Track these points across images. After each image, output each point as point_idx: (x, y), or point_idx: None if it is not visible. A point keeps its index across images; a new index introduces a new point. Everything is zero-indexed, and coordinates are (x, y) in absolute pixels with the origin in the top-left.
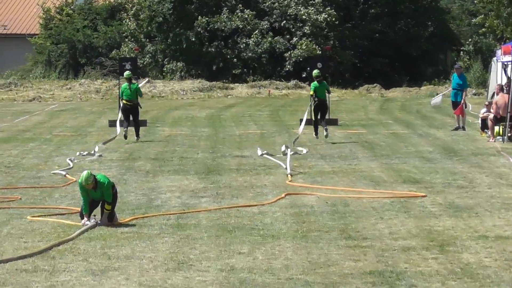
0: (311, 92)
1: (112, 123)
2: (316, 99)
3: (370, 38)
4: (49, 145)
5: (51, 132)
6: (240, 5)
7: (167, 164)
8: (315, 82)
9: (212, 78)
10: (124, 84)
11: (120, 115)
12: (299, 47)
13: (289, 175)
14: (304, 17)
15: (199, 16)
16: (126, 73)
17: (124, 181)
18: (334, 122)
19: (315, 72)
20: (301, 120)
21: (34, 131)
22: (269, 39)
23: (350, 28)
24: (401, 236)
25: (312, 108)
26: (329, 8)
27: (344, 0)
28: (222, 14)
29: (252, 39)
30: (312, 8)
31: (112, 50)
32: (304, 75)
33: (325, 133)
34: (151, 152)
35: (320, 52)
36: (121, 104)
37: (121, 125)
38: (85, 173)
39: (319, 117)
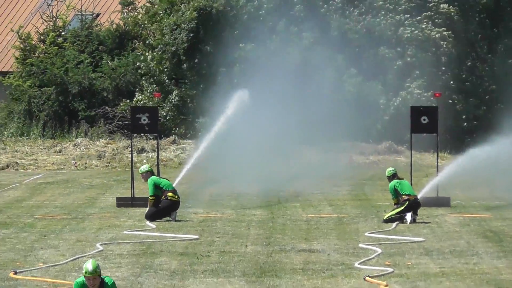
0: (394, 200)
1: (123, 202)
2: (404, 201)
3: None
4: (30, 233)
5: (33, 215)
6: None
7: (202, 261)
8: (394, 180)
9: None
10: (154, 177)
11: (152, 214)
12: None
13: (367, 278)
14: (408, 35)
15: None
16: (143, 167)
17: (139, 285)
18: (444, 202)
19: (390, 170)
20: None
21: (8, 213)
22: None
23: (474, 62)
24: None
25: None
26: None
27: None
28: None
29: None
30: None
31: (122, 94)
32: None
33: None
34: (178, 244)
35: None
36: (162, 200)
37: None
38: (90, 262)
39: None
